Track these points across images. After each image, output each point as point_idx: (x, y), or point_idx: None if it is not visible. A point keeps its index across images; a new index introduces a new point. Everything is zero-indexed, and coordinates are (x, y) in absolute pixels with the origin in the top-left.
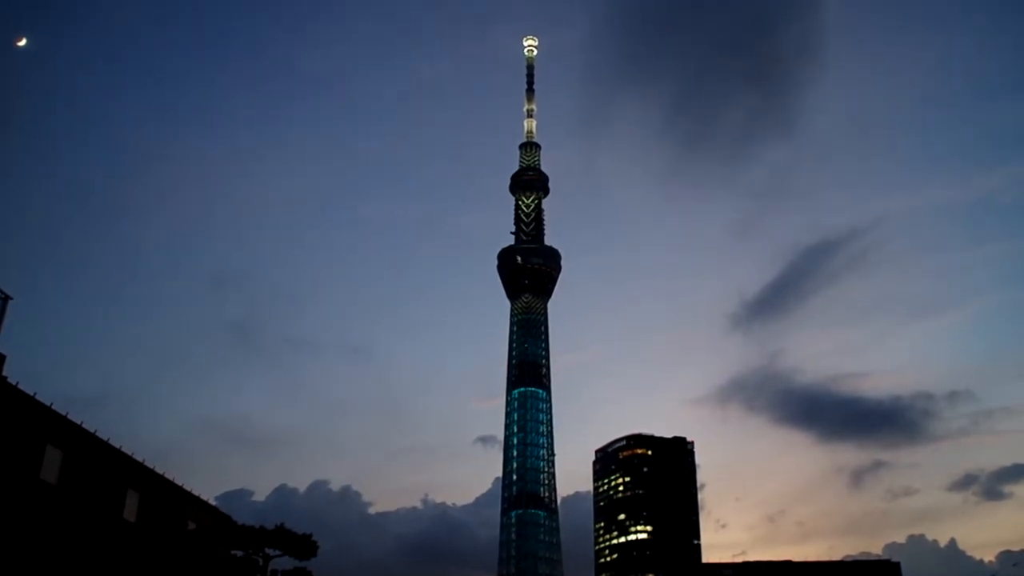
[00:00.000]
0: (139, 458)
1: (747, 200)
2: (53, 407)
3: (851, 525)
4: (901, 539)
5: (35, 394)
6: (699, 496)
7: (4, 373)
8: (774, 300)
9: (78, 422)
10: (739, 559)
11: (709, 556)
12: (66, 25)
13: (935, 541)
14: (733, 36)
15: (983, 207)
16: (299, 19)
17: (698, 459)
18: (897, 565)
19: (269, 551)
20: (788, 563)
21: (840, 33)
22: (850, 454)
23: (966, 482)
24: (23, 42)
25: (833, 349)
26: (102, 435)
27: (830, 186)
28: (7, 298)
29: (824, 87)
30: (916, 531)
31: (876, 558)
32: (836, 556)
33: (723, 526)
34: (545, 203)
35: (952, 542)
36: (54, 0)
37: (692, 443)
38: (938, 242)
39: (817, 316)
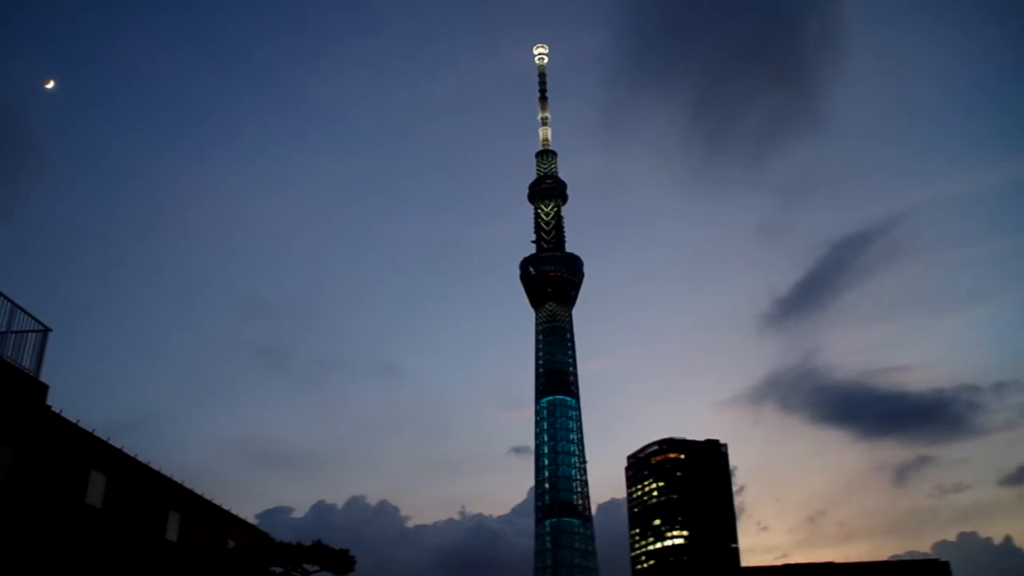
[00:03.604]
0: (179, 480)
1: (774, 198)
2: (95, 433)
3: (896, 524)
4: (951, 537)
5: (78, 421)
6: (738, 499)
7: (48, 402)
8: (806, 297)
9: (120, 447)
10: (780, 562)
11: (750, 560)
12: (88, 59)
13: (988, 539)
14: (753, 34)
15: (1019, 192)
16: (314, 43)
17: (735, 461)
18: (946, 565)
19: (307, 567)
20: (830, 565)
21: (861, 24)
22: (892, 451)
23: (1019, 476)
24: (51, 85)
25: (870, 344)
26: (143, 459)
27: (859, 179)
28: (47, 330)
29: (847, 80)
30: (967, 528)
31: (924, 557)
32: (882, 556)
33: (763, 529)
34: (565, 210)
35: (1007, 539)
36: (74, 35)
37: (726, 445)
38: (975, 230)
39: (852, 311)
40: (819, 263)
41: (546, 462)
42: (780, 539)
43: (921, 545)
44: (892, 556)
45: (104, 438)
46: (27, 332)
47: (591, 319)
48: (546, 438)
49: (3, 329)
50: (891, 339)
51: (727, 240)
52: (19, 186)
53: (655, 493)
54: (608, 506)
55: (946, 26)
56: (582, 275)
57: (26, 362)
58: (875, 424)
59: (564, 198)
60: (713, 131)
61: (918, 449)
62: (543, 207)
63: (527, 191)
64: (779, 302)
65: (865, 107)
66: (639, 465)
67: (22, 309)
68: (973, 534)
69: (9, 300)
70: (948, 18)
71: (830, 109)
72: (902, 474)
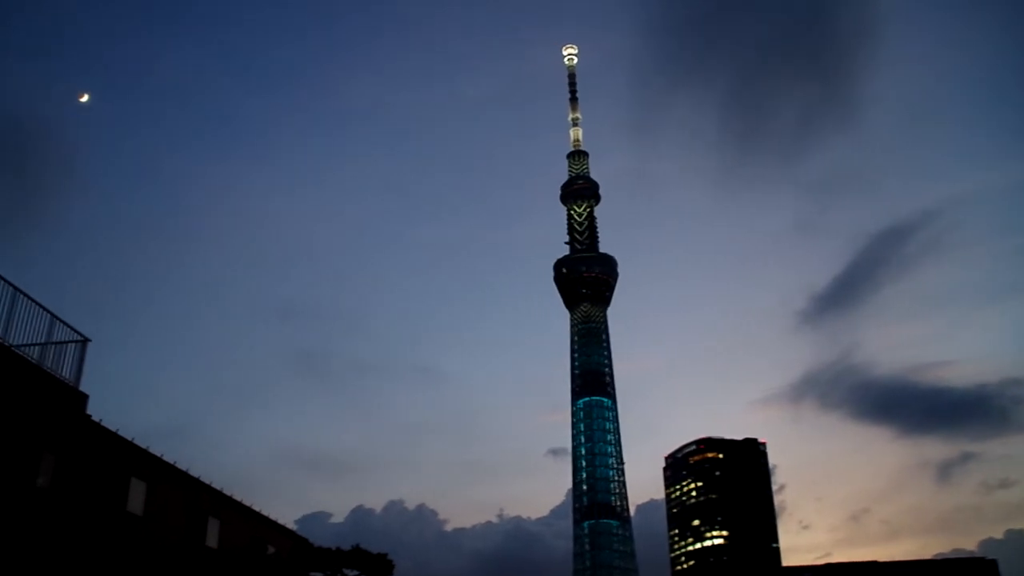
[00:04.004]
0: (218, 486)
1: (810, 193)
2: (135, 441)
3: (941, 522)
4: (998, 535)
5: (117, 430)
6: (779, 497)
7: (88, 411)
8: (845, 292)
9: (159, 454)
10: (822, 561)
11: (791, 559)
12: (118, 69)
13: None
14: (784, 29)
15: None
16: (343, 51)
17: (775, 460)
18: (994, 563)
19: (347, 571)
20: (873, 564)
21: (894, 17)
22: (935, 447)
23: None
24: (85, 98)
25: (910, 339)
26: (182, 466)
27: (896, 172)
28: (86, 340)
29: (882, 72)
30: (1015, 525)
31: (971, 555)
32: (927, 555)
33: (805, 528)
34: (598, 211)
35: None
36: (96, 40)
37: (764, 444)
38: (1016, 222)
39: (891, 306)
40: (856, 258)
41: (583, 464)
42: (822, 538)
43: (967, 543)
44: (937, 554)
45: (144, 446)
46: (66, 343)
47: (626, 319)
48: (583, 440)
49: (43, 340)
50: (932, 334)
51: (763, 237)
52: (48, 195)
53: (694, 493)
54: (647, 507)
55: (980, 18)
56: (616, 275)
57: (66, 372)
58: (917, 420)
59: (597, 198)
60: (747, 128)
61: (962, 445)
62: (576, 208)
63: (559, 192)
64: (816, 299)
65: (900, 99)
66: (677, 465)
67: (61, 320)
68: (1022, 531)
69: (48, 312)
70: (982, 10)
71: (864, 103)
72: (946, 471)
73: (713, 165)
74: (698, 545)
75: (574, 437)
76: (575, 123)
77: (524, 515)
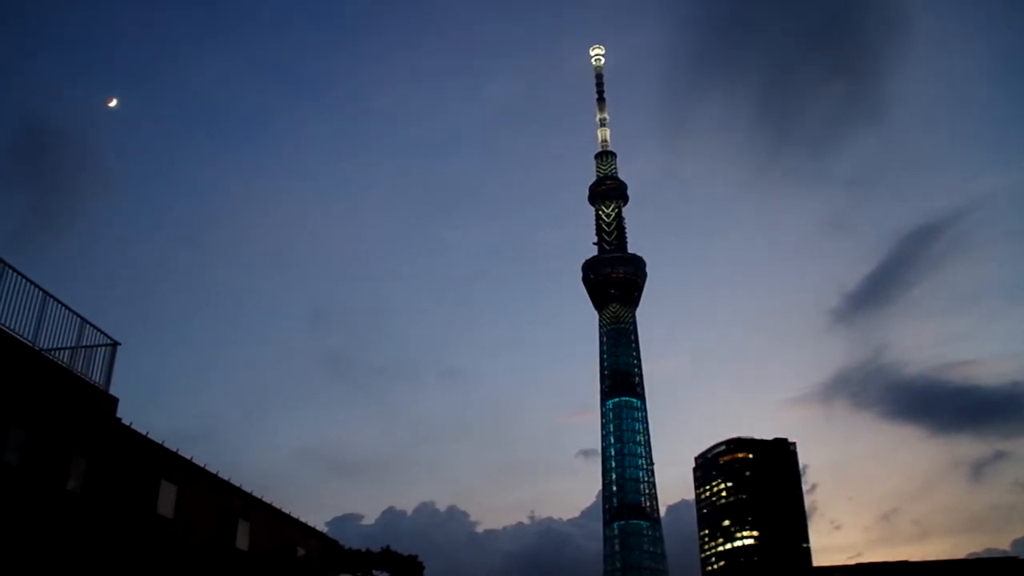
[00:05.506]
0: (248, 489)
1: (840, 191)
2: (165, 444)
3: (974, 521)
4: None
5: (147, 433)
6: (810, 497)
7: (118, 415)
8: (876, 291)
9: (189, 457)
10: (853, 561)
11: (823, 559)
12: (146, 75)
13: None
14: (812, 26)
15: None
16: (370, 55)
17: (806, 459)
18: None
19: (377, 573)
20: (905, 564)
21: (923, 10)
22: (968, 446)
23: None
24: (114, 103)
25: (942, 337)
26: (212, 468)
27: (927, 169)
28: (115, 344)
29: (913, 68)
30: None
31: (1004, 555)
32: (959, 554)
33: (836, 527)
34: (627, 211)
35: None
36: (130, 49)
37: (794, 444)
38: None
39: (922, 304)
40: (888, 256)
41: (613, 464)
42: (854, 538)
43: (1000, 542)
44: (970, 554)
45: (173, 449)
46: (96, 347)
47: (655, 319)
48: (613, 440)
49: (73, 344)
50: (964, 332)
51: (794, 235)
52: (77, 199)
53: (724, 493)
54: (677, 507)
55: (1009, 14)
56: (645, 275)
57: (96, 376)
58: (949, 419)
59: (625, 199)
60: (778, 125)
61: (995, 444)
62: (604, 208)
63: (587, 193)
64: (848, 297)
65: (930, 95)
66: (707, 465)
67: (92, 325)
68: None
69: (79, 316)
70: (1011, 6)
71: (895, 99)
72: (979, 469)
73: (742, 164)
74: (728, 545)
75: (604, 438)
76: (603, 123)
77: (555, 516)
